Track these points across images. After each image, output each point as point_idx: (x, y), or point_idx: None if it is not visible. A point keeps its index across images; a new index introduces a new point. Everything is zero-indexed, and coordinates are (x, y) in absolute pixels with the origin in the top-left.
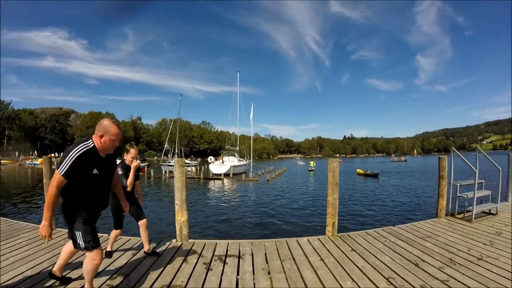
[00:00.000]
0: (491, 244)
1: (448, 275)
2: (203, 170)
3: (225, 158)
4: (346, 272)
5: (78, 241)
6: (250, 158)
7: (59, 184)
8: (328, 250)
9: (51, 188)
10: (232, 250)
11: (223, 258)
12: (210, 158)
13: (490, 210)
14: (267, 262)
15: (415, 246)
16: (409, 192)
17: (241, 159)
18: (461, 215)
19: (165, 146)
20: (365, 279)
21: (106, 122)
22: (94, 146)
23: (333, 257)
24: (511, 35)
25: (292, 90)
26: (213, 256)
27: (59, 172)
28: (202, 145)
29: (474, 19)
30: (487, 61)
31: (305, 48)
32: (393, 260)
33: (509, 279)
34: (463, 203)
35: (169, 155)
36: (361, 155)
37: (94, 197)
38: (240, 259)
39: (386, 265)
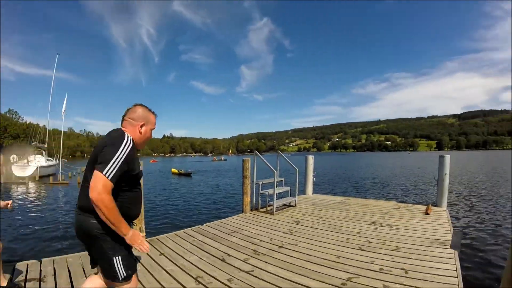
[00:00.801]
0: (290, 232)
1: (253, 265)
2: (4, 172)
3: (31, 158)
4: (155, 278)
5: (117, 270)
6: (59, 157)
7: (109, 191)
8: (136, 258)
9: (103, 200)
10: (32, 273)
11: (23, 283)
12: (13, 157)
13: (290, 203)
14: (71, 281)
15: (222, 242)
16: (220, 190)
17: (49, 158)
18: (264, 209)
19: None
20: (174, 282)
21: (142, 109)
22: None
23: (142, 264)
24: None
25: (115, 82)
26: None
27: (106, 175)
28: (6, 140)
29: (297, 45)
30: (298, 81)
31: (137, 40)
32: (200, 258)
33: (306, 261)
34: (266, 199)
35: None
36: (179, 154)
37: (135, 205)
38: (42, 282)
39: (194, 265)
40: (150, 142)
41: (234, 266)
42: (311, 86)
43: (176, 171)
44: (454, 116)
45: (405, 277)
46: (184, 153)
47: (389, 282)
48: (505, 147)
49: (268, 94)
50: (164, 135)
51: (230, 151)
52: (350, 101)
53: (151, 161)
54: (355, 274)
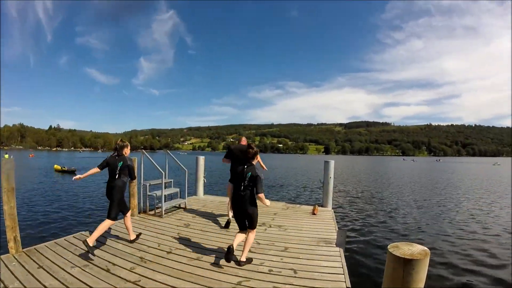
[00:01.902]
0: (180, 236)
1: (140, 274)
2: None
3: None
4: None
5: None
6: None
7: None
8: (12, 272)
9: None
10: None
11: None
12: None
13: (179, 205)
14: None
15: (107, 250)
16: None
17: None
18: (152, 212)
19: None
20: None
21: (244, 136)
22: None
23: (18, 280)
24: None
25: None
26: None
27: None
28: None
29: (200, 43)
30: (197, 79)
31: (30, 12)
32: (83, 270)
33: (195, 266)
34: (154, 201)
35: None
36: (66, 149)
37: None
38: None
39: (76, 277)
40: (35, 133)
41: (119, 277)
42: (210, 85)
43: (59, 167)
44: (341, 124)
45: (294, 277)
46: (73, 148)
47: (279, 283)
48: (384, 154)
49: (165, 89)
50: (50, 126)
51: None
52: (246, 104)
53: (30, 155)
54: (245, 277)
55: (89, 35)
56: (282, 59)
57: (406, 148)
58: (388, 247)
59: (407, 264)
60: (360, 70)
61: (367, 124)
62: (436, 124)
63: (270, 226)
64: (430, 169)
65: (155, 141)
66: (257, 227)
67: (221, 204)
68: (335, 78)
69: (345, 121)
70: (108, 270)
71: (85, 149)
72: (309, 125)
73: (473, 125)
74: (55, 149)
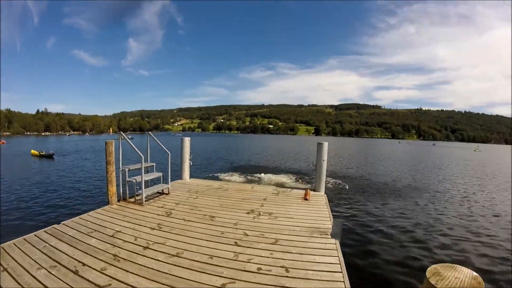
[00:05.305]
0: (159, 228)
1: (111, 276)
2: None
3: None
4: None
5: None
6: None
7: None
8: None
9: None
10: None
11: None
12: None
13: (163, 190)
14: None
15: (78, 246)
16: (90, 176)
17: None
18: (133, 199)
19: None
20: None
21: None
22: None
23: None
24: None
25: None
26: None
27: None
28: None
29: (191, 24)
30: (186, 60)
31: None
32: (49, 272)
33: (173, 265)
34: (135, 187)
35: None
36: (54, 133)
37: None
38: None
39: (40, 282)
40: (22, 118)
41: (88, 280)
42: (200, 66)
43: (36, 152)
44: (332, 106)
45: (286, 276)
46: (61, 132)
47: (269, 285)
48: (374, 136)
49: (154, 70)
50: (38, 111)
51: (111, 129)
52: (237, 85)
53: (0, 142)
54: (231, 278)
55: (77, 16)
56: (274, 40)
57: (396, 131)
58: (427, 272)
59: None
60: (353, 53)
61: (358, 106)
62: (426, 109)
63: (260, 214)
64: (429, 153)
65: (144, 122)
66: (244, 215)
67: (208, 188)
68: (327, 60)
69: (336, 103)
70: (76, 272)
71: (73, 132)
72: (300, 106)
73: (463, 112)
74: (43, 133)
